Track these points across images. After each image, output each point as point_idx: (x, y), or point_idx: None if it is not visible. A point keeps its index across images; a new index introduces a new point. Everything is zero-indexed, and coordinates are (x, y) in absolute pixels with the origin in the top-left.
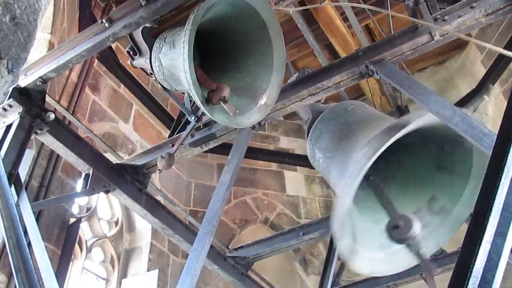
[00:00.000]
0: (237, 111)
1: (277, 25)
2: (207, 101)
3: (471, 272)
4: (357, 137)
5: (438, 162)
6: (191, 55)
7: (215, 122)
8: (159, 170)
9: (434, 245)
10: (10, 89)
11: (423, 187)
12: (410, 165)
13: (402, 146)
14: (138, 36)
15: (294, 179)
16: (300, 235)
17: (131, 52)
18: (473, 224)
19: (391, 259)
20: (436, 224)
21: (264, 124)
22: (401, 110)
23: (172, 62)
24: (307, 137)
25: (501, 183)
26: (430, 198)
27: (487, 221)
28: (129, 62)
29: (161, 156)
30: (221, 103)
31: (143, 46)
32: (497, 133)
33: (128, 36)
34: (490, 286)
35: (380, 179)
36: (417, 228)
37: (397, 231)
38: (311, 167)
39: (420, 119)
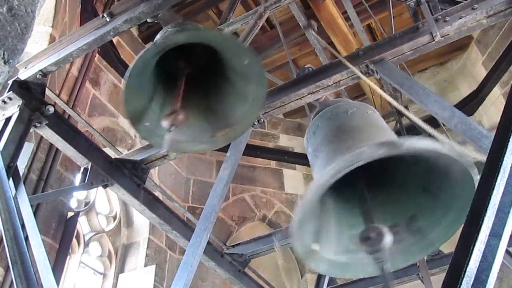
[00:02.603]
0: (169, 148)
1: (258, 69)
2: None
3: (465, 272)
4: (346, 142)
5: (425, 184)
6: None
7: None
8: (171, 125)
9: (401, 261)
10: (10, 81)
11: (406, 204)
12: (399, 180)
13: (396, 160)
14: None
15: (293, 177)
16: None
17: None
18: (468, 224)
19: (353, 264)
20: (409, 243)
21: (264, 122)
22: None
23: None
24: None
25: (496, 184)
26: (411, 216)
27: (482, 221)
28: None
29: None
30: (166, 129)
31: None
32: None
33: None
34: (484, 286)
35: (368, 187)
36: (387, 243)
37: (368, 242)
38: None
39: (413, 146)
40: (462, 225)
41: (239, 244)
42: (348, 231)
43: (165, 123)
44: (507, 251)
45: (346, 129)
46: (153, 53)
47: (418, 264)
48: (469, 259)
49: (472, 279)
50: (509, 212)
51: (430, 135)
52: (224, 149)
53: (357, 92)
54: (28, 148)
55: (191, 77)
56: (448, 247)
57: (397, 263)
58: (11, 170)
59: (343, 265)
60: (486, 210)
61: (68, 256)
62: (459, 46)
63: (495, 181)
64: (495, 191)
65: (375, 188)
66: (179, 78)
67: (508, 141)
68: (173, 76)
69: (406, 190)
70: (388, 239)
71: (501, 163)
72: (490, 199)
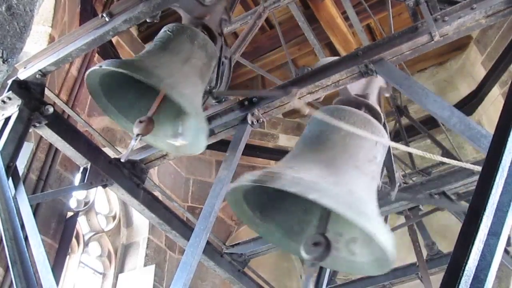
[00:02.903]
0: (126, 158)
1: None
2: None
3: (464, 271)
4: (316, 153)
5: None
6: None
7: (214, 118)
8: (137, 135)
9: (328, 264)
10: (10, 81)
11: (354, 227)
12: None
13: None
14: None
15: None
16: None
17: None
18: (467, 223)
19: (282, 236)
20: (337, 256)
21: (263, 121)
22: (400, 110)
23: None
24: None
25: (495, 183)
26: (352, 238)
27: (481, 220)
28: None
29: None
30: (134, 136)
31: None
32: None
33: None
34: (483, 285)
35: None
36: (326, 257)
37: (314, 248)
38: None
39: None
40: (461, 225)
41: (238, 244)
42: (300, 217)
43: (136, 129)
44: (505, 251)
45: (328, 140)
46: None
47: (417, 264)
48: (468, 258)
49: (471, 278)
50: (507, 211)
51: (429, 135)
52: (224, 149)
53: None
54: (27, 148)
55: None
56: (448, 247)
57: (324, 263)
58: (11, 170)
59: (273, 230)
60: (484, 209)
61: (68, 256)
62: (458, 46)
63: (494, 181)
64: (493, 191)
65: None
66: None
67: (507, 140)
68: None
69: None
70: (328, 255)
71: (500, 163)
72: (488, 198)
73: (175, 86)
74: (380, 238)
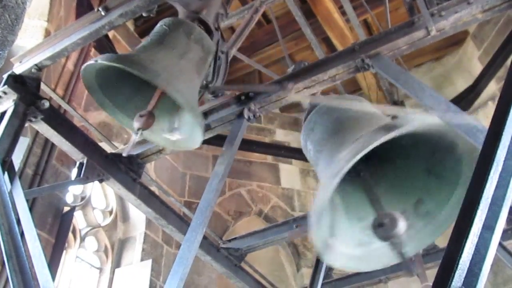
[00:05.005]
0: (127, 152)
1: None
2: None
3: (458, 265)
4: (348, 133)
5: (428, 167)
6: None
7: (211, 113)
8: (138, 129)
9: (414, 246)
10: (5, 76)
11: (411, 189)
12: (401, 165)
13: (396, 145)
14: None
15: (289, 172)
16: (294, 227)
17: None
18: (461, 217)
19: (368, 256)
20: (420, 227)
21: (260, 116)
22: (397, 105)
23: None
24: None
25: (490, 177)
26: (417, 200)
27: (475, 214)
28: None
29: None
30: (135, 131)
31: None
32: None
33: None
34: (477, 279)
35: (371, 176)
36: (402, 227)
37: (382, 229)
38: (306, 160)
39: (412, 124)
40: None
41: (235, 238)
42: (358, 223)
43: (137, 124)
44: (500, 245)
45: (345, 120)
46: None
47: (413, 259)
48: (462, 252)
49: (465, 272)
50: (502, 205)
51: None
52: (220, 144)
53: (354, 87)
54: (23, 143)
55: None
56: (443, 241)
57: (412, 249)
58: (6, 165)
59: (358, 257)
60: (479, 203)
61: (64, 251)
62: (455, 41)
63: (488, 174)
64: (488, 184)
65: (379, 177)
66: None
67: (501, 135)
68: None
69: (409, 175)
70: (402, 223)
71: (494, 156)
72: (483, 192)
73: (171, 82)
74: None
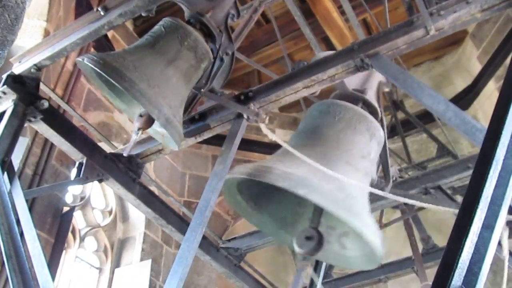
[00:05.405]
0: (128, 152)
1: None
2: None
3: (457, 264)
4: (312, 148)
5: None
6: None
7: (210, 113)
8: (138, 129)
9: (320, 257)
10: (4, 76)
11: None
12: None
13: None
14: None
15: None
16: None
17: None
18: (461, 216)
19: (274, 226)
20: (332, 248)
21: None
22: (396, 105)
23: None
24: None
25: (489, 176)
26: (344, 232)
27: (475, 213)
28: None
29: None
30: (135, 131)
31: None
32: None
33: None
34: (477, 278)
35: None
36: (318, 252)
37: (307, 242)
38: None
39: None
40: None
41: (234, 238)
42: (295, 205)
43: (137, 124)
44: (500, 244)
45: (322, 134)
46: None
47: (413, 258)
48: (462, 251)
49: (465, 271)
50: (501, 204)
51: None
52: (220, 144)
53: None
54: (23, 143)
55: None
56: (443, 241)
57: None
58: (6, 165)
59: (267, 221)
60: (478, 202)
61: (64, 251)
62: (454, 40)
63: (488, 174)
64: (487, 183)
65: None
66: None
67: (501, 134)
68: None
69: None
70: (320, 249)
71: (494, 156)
72: (482, 191)
73: (146, 94)
74: (368, 235)
